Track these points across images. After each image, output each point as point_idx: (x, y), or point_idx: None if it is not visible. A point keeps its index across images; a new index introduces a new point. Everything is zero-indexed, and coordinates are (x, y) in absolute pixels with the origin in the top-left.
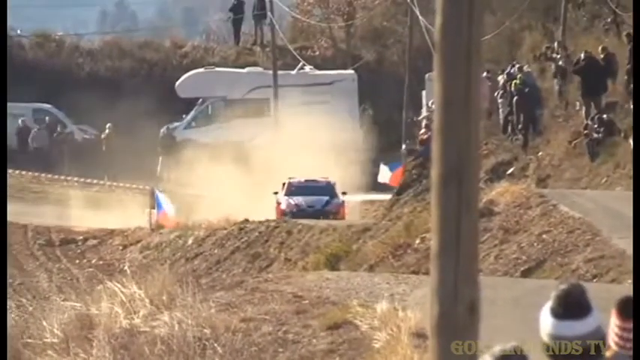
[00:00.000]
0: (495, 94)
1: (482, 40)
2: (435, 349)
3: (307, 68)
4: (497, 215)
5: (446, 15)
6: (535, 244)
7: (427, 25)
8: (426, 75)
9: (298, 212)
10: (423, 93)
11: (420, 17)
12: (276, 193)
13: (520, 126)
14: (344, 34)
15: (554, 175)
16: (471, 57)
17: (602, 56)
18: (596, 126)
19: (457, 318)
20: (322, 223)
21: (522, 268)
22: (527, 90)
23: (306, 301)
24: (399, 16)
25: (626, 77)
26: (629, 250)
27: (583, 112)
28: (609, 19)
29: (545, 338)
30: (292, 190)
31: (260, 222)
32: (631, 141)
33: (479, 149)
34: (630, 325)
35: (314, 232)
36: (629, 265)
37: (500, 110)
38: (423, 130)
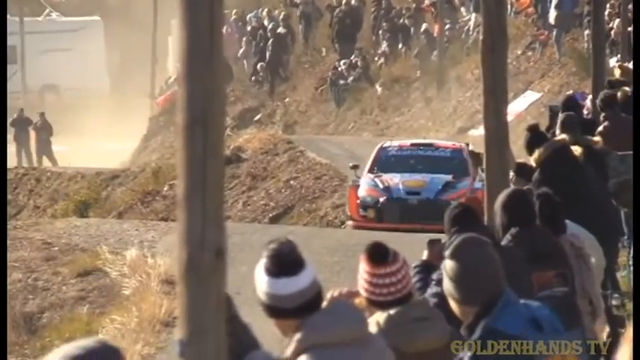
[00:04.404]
0: (244, 39)
1: None
2: (182, 294)
3: (54, 15)
4: (245, 162)
5: None
6: (283, 190)
7: None
8: (172, 20)
9: (390, 204)
10: (169, 39)
11: None
12: (355, 167)
13: (267, 72)
14: None
15: (301, 122)
16: (214, 2)
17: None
18: (345, 72)
19: (204, 263)
20: (71, 170)
21: (271, 215)
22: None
23: (56, 248)
24: None
25: (372, 23)
26: None
27: (330, 57)
28: None
29: (262, 296)
30: (383, 161)
31: (9, 169)
32: (377, 87)
33: (224, 95)
34: (379, 271)
35: (62, 180)
36: None
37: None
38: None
